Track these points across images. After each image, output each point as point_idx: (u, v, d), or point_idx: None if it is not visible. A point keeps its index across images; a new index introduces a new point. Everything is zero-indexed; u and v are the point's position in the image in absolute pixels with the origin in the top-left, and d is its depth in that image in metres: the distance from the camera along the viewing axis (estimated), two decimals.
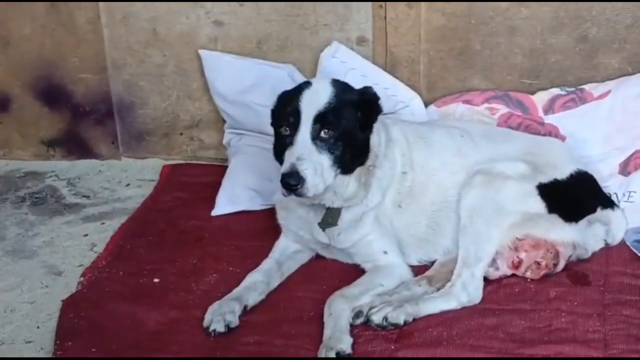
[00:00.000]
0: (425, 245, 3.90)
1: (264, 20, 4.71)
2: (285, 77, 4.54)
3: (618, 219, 3.98)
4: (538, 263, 3.73)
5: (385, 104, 3.78)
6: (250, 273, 3.81)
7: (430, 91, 4.67)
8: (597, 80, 4.48)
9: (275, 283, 3.82)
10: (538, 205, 3.74)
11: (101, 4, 4.80)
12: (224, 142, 4.83)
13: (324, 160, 3.52)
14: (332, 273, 3.88)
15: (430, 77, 4.67)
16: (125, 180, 4.94)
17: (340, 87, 3.66)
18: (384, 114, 3.81)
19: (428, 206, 3.88)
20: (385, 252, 3.79)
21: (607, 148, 4.30)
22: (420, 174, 3.87)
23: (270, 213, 4.10)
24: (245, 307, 3.65)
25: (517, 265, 3.74)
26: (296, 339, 3.49)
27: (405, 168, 3.85)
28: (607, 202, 4.00)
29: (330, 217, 3.73)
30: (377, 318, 3.52)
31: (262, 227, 4.19)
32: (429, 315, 3.57)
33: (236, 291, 3.71)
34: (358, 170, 3.67)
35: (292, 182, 3.44)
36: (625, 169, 4.24)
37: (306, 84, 3.68)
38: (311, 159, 3.48)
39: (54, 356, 3.47)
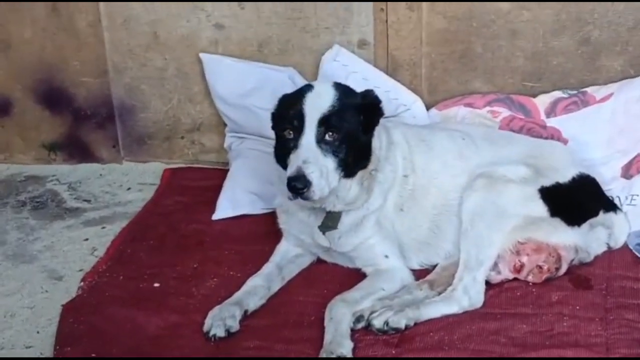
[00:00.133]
0: (426, 249, 3.89)
1: (264, 23, 4.70)
2: (286, 81, 4.54)
3: (620, 222, 3.97)
4: (540, 267, 3.72)
5: (386, 107, 3.78)
6: (250, 277, 3.80)
7: (431, 94, 4.66)
8: (600, 83, 4.47)
9: (276, 287, 3.81)
10: (540, 208, 3.73)
11: (102, 7, 4.79)
12: (225, 145, 4.82)
13: (329, 163, 3.51)
14: (333, 277, 3.87)
15: (432, 80, 4.66)
16: (126, 184, 4.93)
17: (343, 90, 3.65)
18: (386, 117, 3.80)
19: (429, 209, 3.86)
20: (387, 256, 3.78)
21: (609, 151, 4.28)
22: (422, 177, 3.86)
23: (271, 217, 4.09)
24: (245, 311, 3.64)
25: (519, 269, 3.72)
26: (297, 344, 3.48)
27: (406, 171, 3.84)
28: (610, 206, 3.98)
29: (330, 221, 3.72)
30: (378, 322, 3.51)
31: (263, 231, 4.18)
32: (431, 320, 3.56)
33: (237, 296, 3.70)
34: (360, 173, 3.66)
35: (298, 186, 3.43)
36: (627, 172, 4.22)
37: (308, 87, 3.67)
38: (317, 162, 3.47)
39: None
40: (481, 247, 3.67)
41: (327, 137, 3.52)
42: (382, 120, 3.73)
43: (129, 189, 4.89)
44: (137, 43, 4.85)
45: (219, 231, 4.30)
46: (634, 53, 4.45)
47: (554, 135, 4.35)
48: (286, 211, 3.89)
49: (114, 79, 4.93)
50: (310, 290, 3.80)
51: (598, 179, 4.02)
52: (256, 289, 3.73)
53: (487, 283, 3.70)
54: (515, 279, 3.75)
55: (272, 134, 3.72)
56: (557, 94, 4.45)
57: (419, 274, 3.84)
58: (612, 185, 4.18)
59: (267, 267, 3.86)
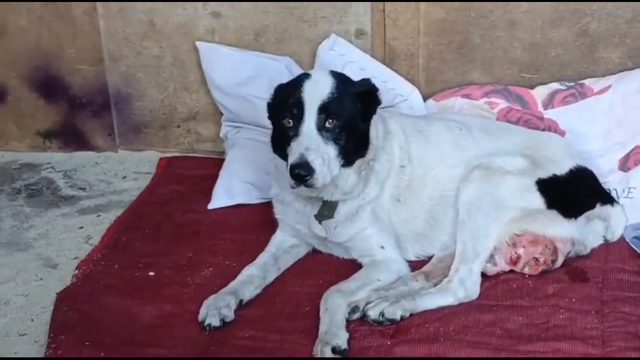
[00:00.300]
0: (422, 240, 3.88)
1: (261, 12, 4.68)
2: (282, 70, 4.52)
3: (617, 215, 3.97)
4: (536, 259, 3.71)
5: (383, 97, 3.76)
6: (246, 267, 3.79)
7: (429, 85, 4.64)
8: (597, 74, 4.46)
9: (271, 277, 3.80)
10: (537, 200, 3.72)
11: None
12: (221, 134, 4.81)
13: (330, 150, 3.50)
14: (328, 268, 3.86)
15: (429, 70, 4.65)
16: (122, 173, 4.92)
17: (340, 78, 3.64)
18: (382, 107, 3.79)
19: (426, 201, 3.86)
20: (383, 247, 3.77)
21: (607, 143, 4.28)
22: (418, 168, 3.85)
23: (267, 207, 4.08)
24: (241, 301, 3.63)
25: (515, 261, 3.72)
26: (292, 334, 3.48)
27: (403, 161, 3.83)
28: (607, 198, 3.97)
29: (326, 210, 3.71)
30: (373, 313, 3.50)
31: (259, 220, 4.17)
32: (426, 311, 3.56)
33: (232, 285, 3.69)
34: (358, 162, 3.65)
35: (302, 173, 3.41)
36: (625, 165, 4.21)
37: (305, 75, 3.66)
38: (319, 150, 3.46)
39: (47, 349, 3.45)
40: (477, 239, 3.66)
41: (327, 124, 3.51)
42: (379, 110, 3.72)
43: (124, 177, 4.88)
44: (133, 31, 4.83)
45: (214, 220, 4.29)
46: (632, 45, 4.44)
47: (551, 127, 4.34)
48: (282, 201, 3.88)
49: (110, 67, 4.91)
50: (305, 281, 3.79)
51: (595, 172, 4.01)
52: (252, 279, 3.72)
53: (483, 275, 3.69)
54: (511, 271, 3.75)
55: (268, 123, 3.70)
56: (555, 85, 4.44)
57: (415, 265, 3.84)
58: (610, 178, 4.17)
59: (263, 257, 3.85)
